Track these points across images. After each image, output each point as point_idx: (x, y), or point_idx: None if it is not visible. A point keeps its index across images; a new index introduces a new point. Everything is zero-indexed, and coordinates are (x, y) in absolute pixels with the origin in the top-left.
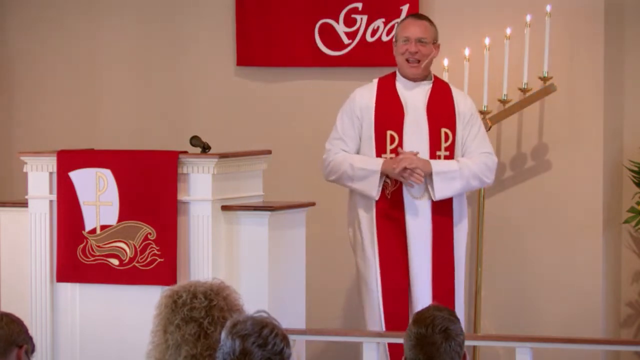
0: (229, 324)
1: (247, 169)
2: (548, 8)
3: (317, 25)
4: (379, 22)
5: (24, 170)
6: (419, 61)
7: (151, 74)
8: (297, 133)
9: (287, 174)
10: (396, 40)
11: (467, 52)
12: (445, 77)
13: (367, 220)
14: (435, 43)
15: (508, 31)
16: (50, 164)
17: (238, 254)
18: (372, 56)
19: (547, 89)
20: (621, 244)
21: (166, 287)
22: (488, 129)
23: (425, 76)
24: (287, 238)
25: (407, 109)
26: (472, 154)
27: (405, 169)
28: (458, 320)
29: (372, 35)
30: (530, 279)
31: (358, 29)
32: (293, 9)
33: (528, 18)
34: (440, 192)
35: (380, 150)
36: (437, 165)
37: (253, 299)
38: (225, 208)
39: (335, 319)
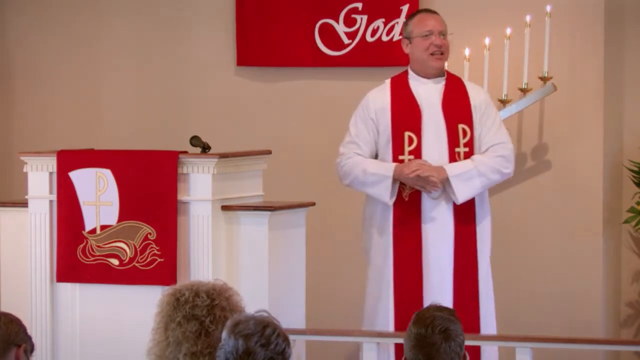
0: (230, 323)
1: (247, 169)
2: (548, 8)
3: (317, 25)
4: (379, 22)
5: (24, 170)
6: (442, 53)
7: (151, 74)
8: (297, 133)
9: (287, 174)
10: (410, 37)
11: (467, 52)
12: None
13: (383, 224)
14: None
15: (508, 31)
16: (50, 164)
17: (238, 253)
18: (372, 56)
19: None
20: (621, 244)
21: (167, 287)
22: None
23: (438, 73)
24: (287, 238)
25: (423, 107)
26: (487, 145)
27: (418, 177)
28: (458, 320)
29: (372, 35)
30: (530, 279)
31: (358, 29)
32: (293, 9)
33: (528, 18)
34: (462, 194)
35: (397, 152)
36: (452, 169)
37: (253, 299)
38: (225, 208)
39: (335, 319)
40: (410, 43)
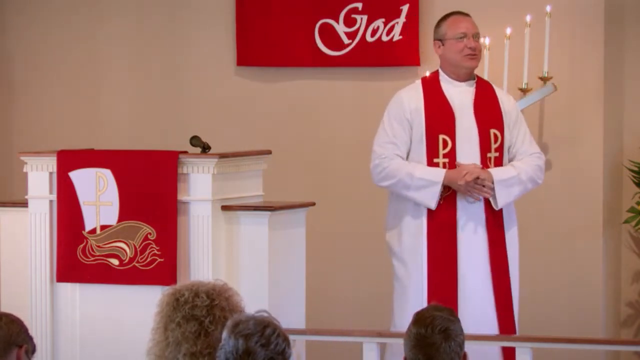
0: (230, 323)
1: (247, 169)
2: (548, 8)
3: (317, 25)
4: (379, 22)
5: (24, 170)
6: (476, 55)
7: (151, 74)
8: (297, 133)
9: (287, 174)
10: (443, 39)
11: None
12: None
13: (416, 226)
14: None
15: (508, 31)
16: (50, 164)
17: (238, 253)
18: (372, 56)
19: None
20: (621, 244)
21: (167, 287)
22: None
23: (469, 75)
24: (287, 238)
25: (456, 110)
26: (523, 155)
27: (476, 181)
28: (458, 320)
29: (372, 35)
30: (530, 279)
31: (358, 29)
32: (293, 9)
33: (528, 18)
34: (503, 199)
35: (432, 155)
36: (498, 174)
37: (253, 299)
38: (225, 208)
39: (335, 319)
40: (443, 45)
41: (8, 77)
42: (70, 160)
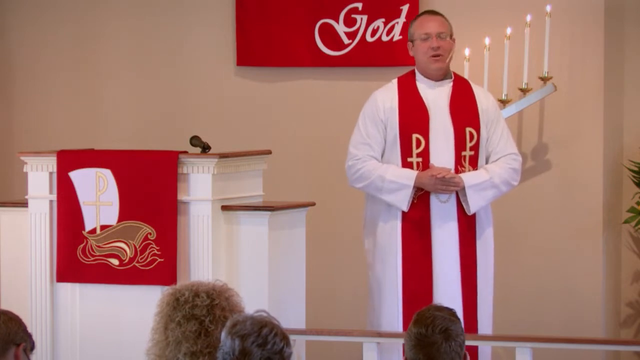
0: (229, 324)
1: (247, 169)
2: (548, 8)
3: (317, 25)
4: (379, 22)
5: (24, 170)
6: (440, 55)
7: (151, 74)
8: (297, 133)
9: (287, 174)
10: (413, 40)
11: (467, 52)
12: None
13: (391, 227)
14: (452, 38)
15: (508, 31)
16: (50, 164)
17: (238, 254)
18: (372, 56)
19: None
20: (621, 244)
21: (167, 287)
22: None
23: (445, 74)
24: (287, 238)
25: (431, 109)
26: (498, 155)
27: (443, 179)
28: (459, 320)
29: (372, 35)
30: (530, 279)
31: (358, 29)
32: (293, 9)
33: (528, 18)
34: (475, 204)
35: (405, 154)
36: (469, 179)
37: (253, 299)
38: (225, 208)
39: (335, 319)
40: (413, 46)
41: (8, 78)
42: (70, 160)
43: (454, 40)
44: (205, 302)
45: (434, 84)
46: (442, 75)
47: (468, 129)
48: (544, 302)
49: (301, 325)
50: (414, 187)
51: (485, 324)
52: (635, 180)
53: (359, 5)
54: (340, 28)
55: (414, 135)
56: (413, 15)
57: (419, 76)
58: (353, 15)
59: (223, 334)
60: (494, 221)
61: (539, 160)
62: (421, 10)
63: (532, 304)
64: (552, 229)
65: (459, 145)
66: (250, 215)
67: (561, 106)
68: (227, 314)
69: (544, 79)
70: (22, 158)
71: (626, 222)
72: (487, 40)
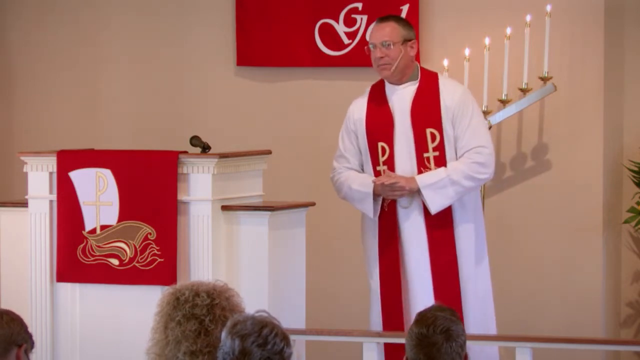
0: (229, 324)
1: (247, 169)
2: (548, 8)
3: (317, 25)
4: None
5: (24, 170)
6: (386, 64)
7: (151, 74)
8: (297, 133)
9: (287, 174)
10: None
11: (467, 52)
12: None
13: (372, 231)
14: (407, 42)
15: (508, 31)
16: (50, 164)
17: (238, 254)
18: None
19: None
20: (621, 244)
21: (168, 286)
22: (489, 127)
23: (402, 78)
24: (287, 238)
25: (395, 115)
26: (463, 150)
27: (383, 185)
28: (460, 320)
29: None
30: (530, 279)
31: (358, 29)
32: (293, 9)
33: (528, 18)
34: (436, 203)
35: (374, 163)
36: (423, 179)
37: (253, 299)
38: (225, 208)
39: (335, 319)
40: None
41: (8, 78)
42: (70, 160)
43: (412, 44)
44: (205, 302)
45: (397, 87)
46: (401, 80)
47: (429, 130)
48: (544, 302)
49: (301, 325)
50: (374, 193)
51: (489, 326)
52: (635, 180)
53: (359, 5)
54: (340, 28)
55: (379, 144)
56: (413, 15)
57: (386, 82)
58: (353, 15)
59: (223, 334)
60: (493, 218)
61: (539, 160)
62: (421, 10)
63: (532, 304)
64: (552, 229)
65: (420, 147)
66: (250, 215)
67: (561, 106)
68: (227, 314)
69: (544, 79)
70: (22, 158)
71: (626, 222)
72: (487, 40)
